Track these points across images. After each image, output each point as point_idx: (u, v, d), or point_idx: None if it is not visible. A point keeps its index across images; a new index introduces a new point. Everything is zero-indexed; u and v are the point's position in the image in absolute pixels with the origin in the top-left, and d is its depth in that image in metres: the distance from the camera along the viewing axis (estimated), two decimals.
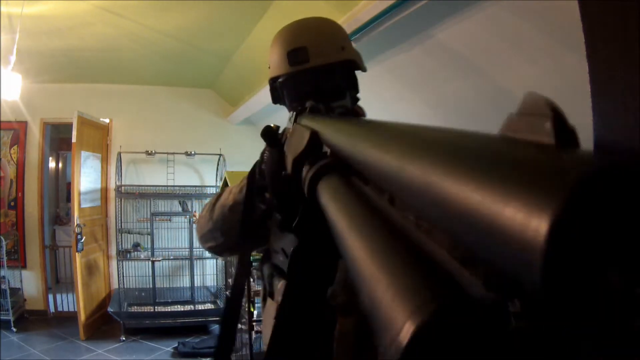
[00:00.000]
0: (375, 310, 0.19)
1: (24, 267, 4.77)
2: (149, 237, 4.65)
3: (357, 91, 1.01)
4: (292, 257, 0.51)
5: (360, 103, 1.07)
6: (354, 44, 2.45)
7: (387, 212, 0.27)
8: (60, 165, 6.90)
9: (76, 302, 4.14)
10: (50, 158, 6.14)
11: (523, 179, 0.15)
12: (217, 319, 4.44)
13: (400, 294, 0.18)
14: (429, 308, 0.16)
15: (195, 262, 4.83)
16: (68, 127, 4.32)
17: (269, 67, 1.01)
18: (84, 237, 4.10)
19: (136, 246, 4.72)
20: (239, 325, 2.94)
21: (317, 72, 0.92)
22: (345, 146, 0.35)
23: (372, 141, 0.29)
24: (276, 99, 1.00)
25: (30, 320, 4.62)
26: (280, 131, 0.76)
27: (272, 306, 1.09)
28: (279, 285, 0.99)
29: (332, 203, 0.33)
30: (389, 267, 0.20)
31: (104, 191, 4.89)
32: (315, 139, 0.48)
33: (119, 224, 4.71)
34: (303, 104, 0.75)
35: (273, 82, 0.99)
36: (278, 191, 0.65)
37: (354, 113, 1.02)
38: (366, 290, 0.21)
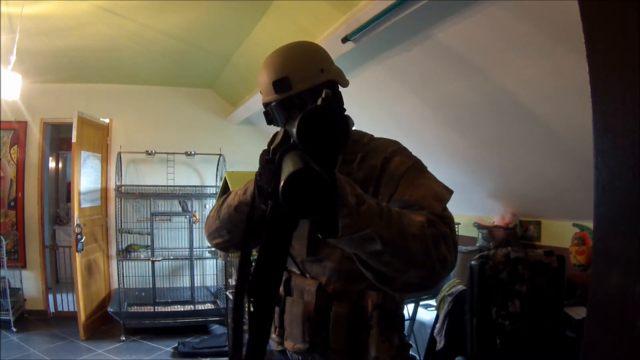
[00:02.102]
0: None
1: (24, 267, 4.78)
2: (149, 237, 4.65)
3: (341, 105, 1.11)
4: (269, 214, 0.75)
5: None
6: (353, 44, 2.45)
7: None
8: (60, 165, 6.90)
9: (76, 302, 4.14)
10: (50, 158, 6.14)
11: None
12: (217, 319, 4.45)
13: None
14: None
15: (195, 262, 4.83)
16: (68, 127, 4.31)
17: (260, 92, 1.13)
18: (84, 237, 4.10)
19: (128, 247, 4.72)
20: None
21: (301, 96, 1.04)
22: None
23: None
24: (270, 121, 1.11)
25: (30, 320, 4.63)
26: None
27: None
28: None
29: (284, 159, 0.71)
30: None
31: (104, 191, 4.89)
32: (286, 133, 0.81)
33: (119, 224, 4.71)
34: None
35: (265, 106, 1.11)
36: (263, 171, 0.85)
37: None
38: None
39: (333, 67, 1.12)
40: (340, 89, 1.13)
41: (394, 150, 1.02)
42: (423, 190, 0.91)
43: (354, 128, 1.16)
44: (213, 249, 4.73)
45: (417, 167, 0.99)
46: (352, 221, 0.72)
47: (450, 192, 0.94)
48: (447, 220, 0.86)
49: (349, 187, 0.74)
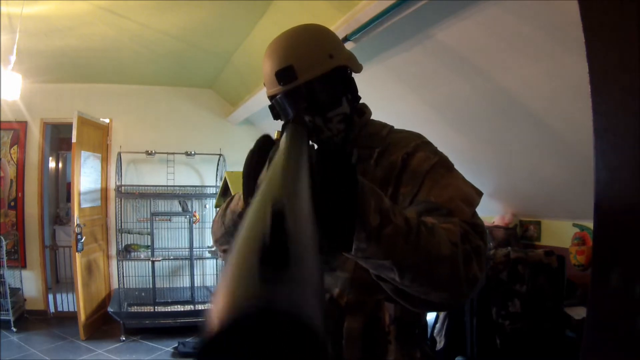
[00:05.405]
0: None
1: (24, 267, 4.77)
2: (149, 237, 4.65)
3: (355, 93, 0.99)
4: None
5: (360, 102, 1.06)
6: (353, 44, 2.45)
7: None
8: (60, 165, 6.89)
9: (76, 302, 4.14)
10: (50, 158, 6.14)
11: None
12: None
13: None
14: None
15: (195, 262, 4.83)
16: (68, 127, 4.31)
17: (264, 84, 1.02)
18: (84, 237, 4.10)
19: (127, 246, 4.72)
20: None
21: (308, 86, 0.93)
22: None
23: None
24: (276, 115, 1.00)
25: (30, 320, 4.62)
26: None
27: None
28: None
29: None
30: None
31: (104, 191, 4.89)
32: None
33: (119, 224, 4.71)
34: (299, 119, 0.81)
35: (270, 99, 1.00)
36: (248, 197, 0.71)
37: (359, 112, 1.01)
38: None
39: (344, 52, 0.99)
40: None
41: (416, 144, 0.91)
42: (451, 191, 0.80)
43: (371, 117, 1.05)
44: (213, 248, 4.72)
45: (443, 164, 0.88)
46: (368, 247, 0.61)
47: (480, 194, 0.84)
48: (480, 230, 0.76)
49: (374, 201, 0.62)
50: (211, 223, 1.16)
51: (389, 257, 0.63)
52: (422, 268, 0.66)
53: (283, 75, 0.92)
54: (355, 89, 1.00)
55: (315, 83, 0.93)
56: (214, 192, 4.98)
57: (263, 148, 0.76)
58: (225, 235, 1.04)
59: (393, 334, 0.90)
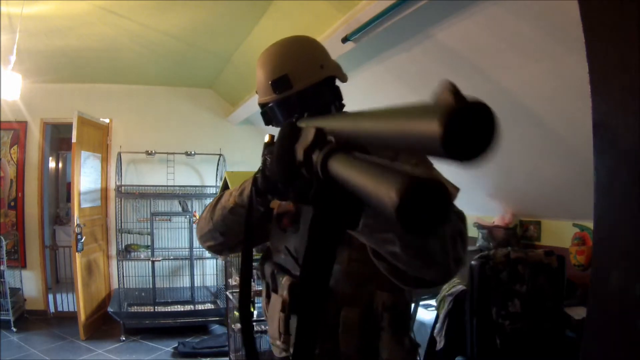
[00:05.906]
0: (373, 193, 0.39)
1: (24, 267, 4.77)
2: (149, 237, 4.65)
3: (340, 100, 1.08)
4: (311, 222, 0.61)
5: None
6: (353, 44, 2.45)
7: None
8: (60, 165, 6.90)
9: (76, 302, 4.14)
10: (50, 158, 6.14)
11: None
12: (217, 319, 4.44)
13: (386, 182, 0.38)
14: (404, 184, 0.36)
15: (195, 262, 4.83)
16: (68, 127, 4.32)
17: (257, 92, 1.08)
18: (84, 237, 4.10)
19: (127, 247, 4.72)
20: (239, 326, 2.94)
21: (302, 95, 1.01)
22: (343, 128, 0.54)
23: (354, 120, 0.50)
24: (268, 121, 1.07)
25: (30, 320, 4.63)
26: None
27: (277, 300, 1.08)
28: (283, 280, 1.04)
29: (341, 166, 0.49)
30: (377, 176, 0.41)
31: (104, 191, 4.89)
32: (320, 131, 0.61)
33: (119, 224, 4.71)
34: None
35: (262, 106, 1.07)
36: (289, 177, 0.68)
37: None
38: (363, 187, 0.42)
39: (332, 62, 1.08)
40: (339, 84, 1.10)
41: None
42: None
43: None
44: None
45: (424, 165, 0.94)
46: (375, 222, 0.64)
47: (458, 189, 0.90)
48: (462, 216, 0.81)
49: None
50: None
51: (394, 230, 0.66)
52: (419, 244, 0.70)
53: (279, 84, 1.00)
54: (341, 98, 1.08)
55: (308, 92, 1.00)
56: (214, 192, 4.98)
57: (295, 130, 0.74)
58: (211, 232, 1.08)
59: (386, 322, 0.96)
